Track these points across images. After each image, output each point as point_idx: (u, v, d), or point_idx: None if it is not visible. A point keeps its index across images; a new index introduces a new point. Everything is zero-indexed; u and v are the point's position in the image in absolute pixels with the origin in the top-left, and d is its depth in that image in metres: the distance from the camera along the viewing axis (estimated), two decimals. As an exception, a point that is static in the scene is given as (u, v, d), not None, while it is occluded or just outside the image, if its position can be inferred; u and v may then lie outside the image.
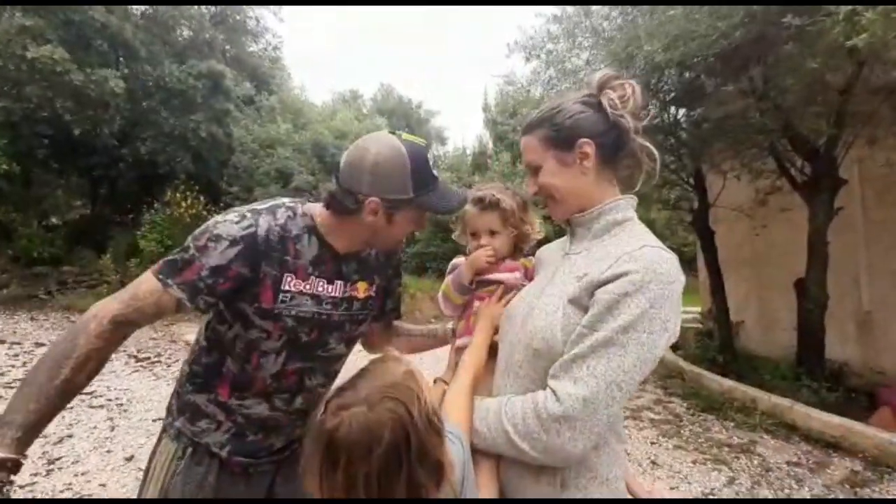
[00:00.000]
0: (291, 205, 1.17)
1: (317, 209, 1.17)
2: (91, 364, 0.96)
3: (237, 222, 1.06)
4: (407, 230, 1.16)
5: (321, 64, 55.63)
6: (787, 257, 5.86)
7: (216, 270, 1.02)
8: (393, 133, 1.11)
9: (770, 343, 6.35)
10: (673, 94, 4.92)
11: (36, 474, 3.07)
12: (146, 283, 1.02)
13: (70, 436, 3.68)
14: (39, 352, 5.90)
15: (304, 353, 1.17)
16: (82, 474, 3.12)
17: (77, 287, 9.51)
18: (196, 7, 11.46)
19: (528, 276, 1.21)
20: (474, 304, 1.20)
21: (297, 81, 17.81)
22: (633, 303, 0.81)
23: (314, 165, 11.89)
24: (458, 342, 1.20)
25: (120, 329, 1.00)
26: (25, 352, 6.07)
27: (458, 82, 63.62)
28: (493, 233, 1.20)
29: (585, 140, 0.95)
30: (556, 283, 0.98)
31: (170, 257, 1.05)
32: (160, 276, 1.02)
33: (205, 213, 9.85)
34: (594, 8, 5.12)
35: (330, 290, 1.17)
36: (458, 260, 1.27)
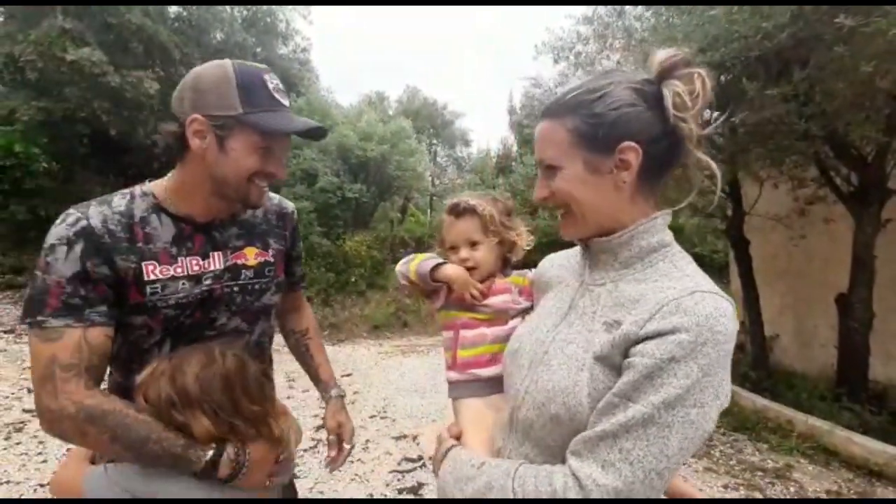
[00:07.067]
0: (128, 189, 1.04)
1: (160, 185, 1.05)
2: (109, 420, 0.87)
3: (62, 222, 0.93)
4: (247, 163, 0.99)
5: (349, 65, 56.40)
6: (826, 270, 5.57)
7: (76, 278, 0.90)
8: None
9: (807, 360, 6.04)
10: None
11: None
12: (32, 346, 0.90)
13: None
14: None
15: (189, 337, 1.04)
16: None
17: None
18: (228, 10, 11.71)
19: (524, 293, 1.06)
20: (461, 334, 1.04)
21: (326, 83, 18.02)
22: (682, 372, 0.64)
23: (339, 167, 11.97)
24: (448, 375, 1.05)
25: (80, 395, 0.88)
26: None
27: (484, 84, 63.61)
28: (473, 243, 1.06)
29: (631, 144, 0.73)
30: (576, 326, 0.80)
31: (26, 299, 0.92)
32: (29, 322, 0.90)
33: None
34: (627, 8, 4.96)
35: (207, 264, 1.05)
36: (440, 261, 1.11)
